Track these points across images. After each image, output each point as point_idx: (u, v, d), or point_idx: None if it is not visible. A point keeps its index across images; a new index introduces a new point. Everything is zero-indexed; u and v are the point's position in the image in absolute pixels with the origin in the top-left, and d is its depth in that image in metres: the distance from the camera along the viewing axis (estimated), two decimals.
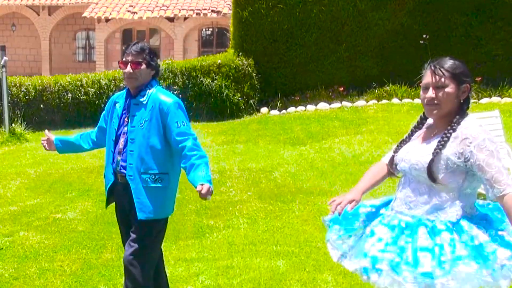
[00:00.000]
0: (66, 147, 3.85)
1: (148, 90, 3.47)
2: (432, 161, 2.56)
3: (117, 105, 3.56)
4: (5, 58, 11.13)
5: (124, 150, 3.46)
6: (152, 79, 3.52)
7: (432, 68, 2.61)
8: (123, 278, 3.63)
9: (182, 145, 3.36)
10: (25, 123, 11.35)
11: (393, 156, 2.81)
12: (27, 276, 4.69)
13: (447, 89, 2.58)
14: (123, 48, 3.56)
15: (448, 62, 2.61)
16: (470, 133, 2.51)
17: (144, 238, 3.49)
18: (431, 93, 2.59)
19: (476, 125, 2.56)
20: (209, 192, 3.20)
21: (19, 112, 11.57)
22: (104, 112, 3.72)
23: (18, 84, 11.96)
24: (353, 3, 12.17)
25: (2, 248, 5.32)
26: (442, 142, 2.57)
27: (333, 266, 4.59)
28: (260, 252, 5.00)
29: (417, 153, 2.65)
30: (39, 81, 12.23)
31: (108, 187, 3.59)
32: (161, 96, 3.45)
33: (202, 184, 3.19)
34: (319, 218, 5.78)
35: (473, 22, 12.02)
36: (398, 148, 2.80)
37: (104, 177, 3.65)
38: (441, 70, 2.58)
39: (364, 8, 12.17)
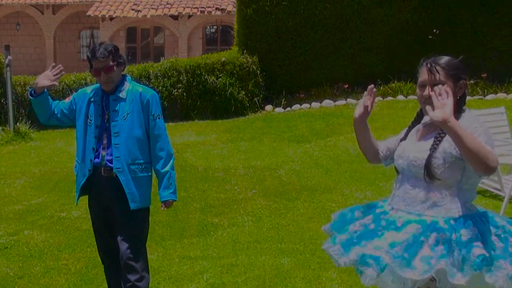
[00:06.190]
0: (43, 102, 3.60)
1: (124, 86, 3.55)
2: (430, 156, 2.52)
3: (94, 103, 3.58)
4: (9, 57, 11.12)
5: (109, 144, 3.52)
6: (123, 74, 3.61)
7: (428, 65, 2.56)
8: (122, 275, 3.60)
9: (154, 143, 3.55)
10: (30, 122, 11.33)
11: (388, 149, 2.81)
12: (32, 274, 4.69)
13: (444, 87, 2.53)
14: (88, 54, 3.47)
15: (444, 59, 2.58)
16: (464, 124, 2.44)
17: (138, 229, 3.58)
18: (428, 91, 2.55)
19: (473, 118, 2.53)
20: (170, 206, 3.63)
21: (23, 111, 11.56)
22: (73, 102, 3.66)
23: (22, 83, 11.97)
24: None
25: (7, 247, 5.32)
26: (439, 138, 2.54)
27: None
28: (265, 250, 4.99)
29: (415, 149, 2.62)
30: None
31: (82, 183, 3.59)
32: (139, 88, 3.58)
33: (165, 202, 3.57)
34: (324, 215, 5.77)
35: (479, 18, 11.96)
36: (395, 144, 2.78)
37: (76, 174, 3.66)
38: (436, 68, 2.54)
39: (369, 5, 12.12)
